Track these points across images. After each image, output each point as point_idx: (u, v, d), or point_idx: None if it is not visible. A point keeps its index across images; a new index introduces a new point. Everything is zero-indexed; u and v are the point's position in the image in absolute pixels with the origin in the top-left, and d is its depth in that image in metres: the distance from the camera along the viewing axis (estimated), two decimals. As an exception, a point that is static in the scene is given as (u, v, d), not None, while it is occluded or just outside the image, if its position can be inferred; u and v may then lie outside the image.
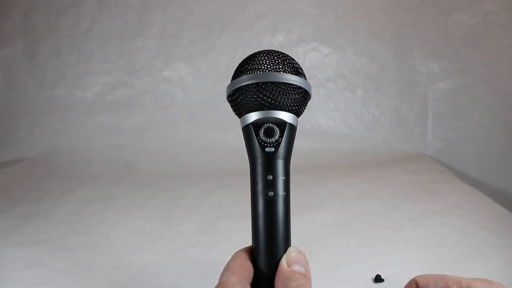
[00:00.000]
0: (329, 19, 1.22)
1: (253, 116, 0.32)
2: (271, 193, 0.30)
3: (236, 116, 0.35)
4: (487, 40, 1.15)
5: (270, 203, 0.30)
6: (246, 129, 0.32)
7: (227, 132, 1.18)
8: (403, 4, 1.20)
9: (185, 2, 1.24)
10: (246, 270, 0.29)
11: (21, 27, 1.25)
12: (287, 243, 0.31)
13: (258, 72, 0.32)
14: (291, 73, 0.32)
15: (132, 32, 1.25)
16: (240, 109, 0.33)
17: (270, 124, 0.31)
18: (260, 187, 0.31)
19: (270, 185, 0.31)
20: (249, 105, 0.32)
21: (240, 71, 0.33)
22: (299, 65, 0.34)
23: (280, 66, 0.32)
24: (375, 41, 1.22)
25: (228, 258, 0.31)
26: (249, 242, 0.32)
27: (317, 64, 1.23)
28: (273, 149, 0.31)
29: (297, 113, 0.33)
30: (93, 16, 1.25)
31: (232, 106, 0.34)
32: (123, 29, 1.25)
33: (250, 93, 0.31)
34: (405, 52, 1.21)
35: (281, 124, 0.32)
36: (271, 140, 0.31)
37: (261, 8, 1.23)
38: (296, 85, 0.32)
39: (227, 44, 1.24)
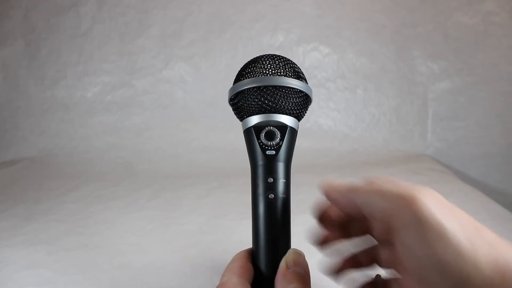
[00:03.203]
0: (329, 19, 1.22)
1: (254, 120, 0.32)
2: (271, 196, 0.31)
3: (236, 116, 0.35)
4: (487, 40, 1.15)
5: (271, 206, 0.30)
6: (247, 132, 0.32)
7: (227, 132, 1.18)
8: (403, 4, 1.20)
9: (185, 2, 1.24)
10: (247, 271, 0.29)
11: (21, 27, 1.25)
12: (287, 245, 0.31)
13: (260, 76, 0.32)
14: (292, 77, 0.32)
15: (132, 32, 1.25)
16: (241, 113, 0.33)
17: (271, 127, 0.32)
18: (260, 189, 0.31)
19: (271, 187, 0.31)
20: (250, 108, 0.32)
21: (241, 75, 0.33)
22: (300, 70, 0.34)
23: (282, 70, 0.32)
24: (375, 41, 1.22)
25: (229, 258, 0.31)
26: (249, 242, 0.32)
27: (317, 64, 1.23)
28: (274, 152, 0.31)
29: (298, 117, 0.33)
30: (93, 16, 1.25)
31: (233, 110, 0.34)
32: (123, 29, 1.25)
33: (251, 96, 0.32)
34: (405, 52, 1.21)
35: (282, 127, 0.32)
36: (272, 143, 0.31)
37: (261, 8, 1.23)
38: (297, 89, 0.32)
39: (227, 44, 1.24)
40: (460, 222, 0.22)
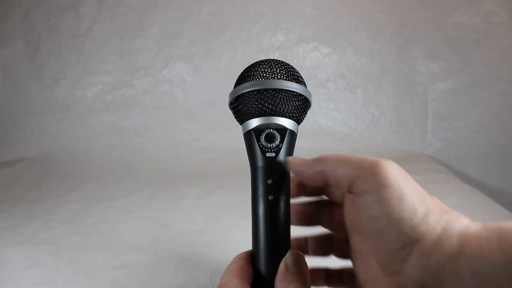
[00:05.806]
0: (329, 19, 1.22)
1: (254, 122, 0.32)
2: (271, 197, 0.31)
3: (236, 120, 0.35)
4: (487, 40, 1.15)
5: (270, 207, 0.31)
6: (247, 135, 0.33)
7: (227, 132, 1.18)
8: (403, 4, 1.20)
9: (185, 2, 1.24)
10: (247, 273, 0.30)
11: (21, 27, 1.25)
12: (286, 246, 0.31)
13: (260, 79, 0.33)
14: (292, 81, 0.33)
15: (132, 32, 1.25)
16: (241, 116, 0.33)
17: (271, 130, 0.32)
18: (260, 191, 0.31)
19: (271, 189, 0.31)
20: (250, 111, 0.32)
21: (241, 79, 0.34)
22: (299, 74, 0.35)
23: (281, 74, 0.33)
24: (375, 41, 1.22)
25: (228, 258, 0.32)
26: (249, 242, 0.32)
27: (317, 64, 1.23)
28: (273, 154, 0.32)
29: (298, 120, 0.34)
30: (93, 16, 1.25)
31: (234, 113, 0.35)
32: (123, 29, 1.25)
33: (251, 99, 0.32)
34: (405, 52, 1.21)
35: (282, 130, 0.32)
36: (271, 146, 0.32)
37: (261, 8, 1.23)
38: (296, 92, 0.33)
39: (227, 44, 1.24)
40: (416, 189, 0.25)
